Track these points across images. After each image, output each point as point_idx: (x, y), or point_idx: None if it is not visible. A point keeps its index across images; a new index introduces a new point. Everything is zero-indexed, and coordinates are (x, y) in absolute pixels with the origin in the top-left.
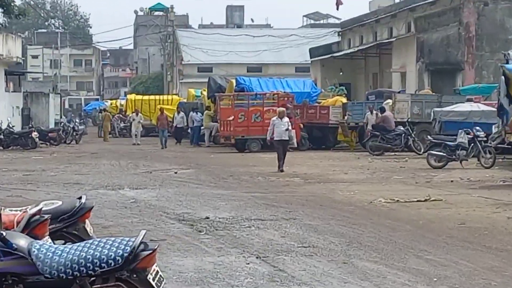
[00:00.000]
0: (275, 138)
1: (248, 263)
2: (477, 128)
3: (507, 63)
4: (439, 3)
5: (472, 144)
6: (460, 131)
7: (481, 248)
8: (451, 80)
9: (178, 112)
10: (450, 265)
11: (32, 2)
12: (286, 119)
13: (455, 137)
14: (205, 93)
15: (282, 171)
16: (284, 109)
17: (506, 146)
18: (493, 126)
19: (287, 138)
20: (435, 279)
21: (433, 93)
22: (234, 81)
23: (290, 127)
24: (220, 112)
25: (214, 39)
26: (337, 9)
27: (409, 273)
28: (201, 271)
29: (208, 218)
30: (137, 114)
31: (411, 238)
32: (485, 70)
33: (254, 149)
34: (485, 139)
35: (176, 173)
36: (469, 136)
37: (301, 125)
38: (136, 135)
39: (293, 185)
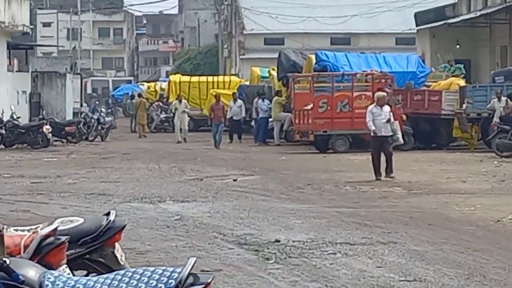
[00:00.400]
0: (372, 134)
1: None
2: None
3: None
4: None
5: None
6: None
7: None
8: None
9: (235, 100)
10: None
11: None
12: (387, 107)
13: None
14: (274, 73)
15: (391, 178)
16: (384, 93)
17: None
18: None
19: (389, 133)
20: None
21: None
22: (313, 57)
23: (392, 118)
24: (295, 99)
25: (286, 0)
26: None
27: None
28: None
29: (278, 241)
30: (180, 102)
31: None
32: None
33: (341, 149)
34: None
35: (235, 180)
36: None
37: (404, 117)
38: (181, 129)
39: (393, 198)
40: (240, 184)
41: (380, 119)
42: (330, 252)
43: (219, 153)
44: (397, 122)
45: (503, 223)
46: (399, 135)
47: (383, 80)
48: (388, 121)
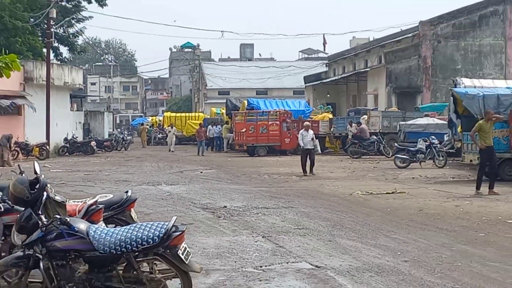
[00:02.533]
0: (301, 148)
1: (256, 241)
2: (433, 137)
3: (455, 86)
4: (403, 41)
5: (429, 149)
6: (419, 139)
7: (435, 229)
8: (413, 100)
9: (215, 125)
10: (411, 242)
11: (90, 42)
12: (311, 131)
13: (415, 144)
14: (223, 111)
15: (313, 174)
16: (309, 123)
17: (455, 151)
18: (445, 135)
19: (311, 147)
20: (399, 253)
21: (399, 110)
22: (246, 101)
23: (314, 138)
24: (235, 126)
25: (230, 69)
26: (324, 49)
27: (379, 248)
28: (219, 248)
29: (225, 207)
30: (172, 127)
31: (381, 222)
32: (438, 93)
33: (262, 154)
34: (438, 145)
35: (201, 172)
36: (426, 143)
37: (297, 135)
38: (171, 143)
39: (291, 181)
40: (204, 174)
41: (307, 138)
42: (255, 213)
43: (193, 157)
44: (317, 140)
45: (353, 196)
46: (318, 148)
47: (285, 115)
48: (312, 139)
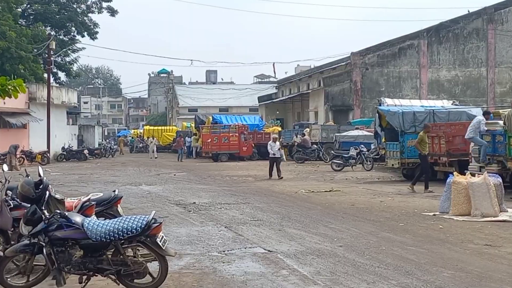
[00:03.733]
0: (270, 156)
1: (220, 231)
2: (362, 145)
3: (380, 105)
4: (338, 68)
5: (359, 156)
6: (351, 147)
7: (364, 220)
8: (346, 116)
9: (190, 136)
10: (345, 231)
11: (83, 68)
12: (278, 143)
13: (348, 151)
14: (193, 125)
15: (281, 178)
16: (276, 136)
17: (379, 157)
18: (372, 144)
19: (279, 156)
20: (335, 239)
21: (335, 124)
22: (211, 117)
23: (280, 148)
24: (202, 137)
25: (198, 91)
26: (275, 75)
27: (319, 236)
28: (190, 236)
29: (194, 203)
30: (153, 138)
31: (321, 214)
32: (366, 110)
33: (224, 160)
34: (366, 152)
35: (174, 175)
36: (357, 150)
37: (253, 144)
38: (153, 151)
39: (248, 182)
40: (177, 177)
41: (275, 148)
42: (219, 207)
43: (168, 162)
44: (283, 150)
45: (298, 193)
46: (284, 156)
47: (243, 128)
48: (279, 149)
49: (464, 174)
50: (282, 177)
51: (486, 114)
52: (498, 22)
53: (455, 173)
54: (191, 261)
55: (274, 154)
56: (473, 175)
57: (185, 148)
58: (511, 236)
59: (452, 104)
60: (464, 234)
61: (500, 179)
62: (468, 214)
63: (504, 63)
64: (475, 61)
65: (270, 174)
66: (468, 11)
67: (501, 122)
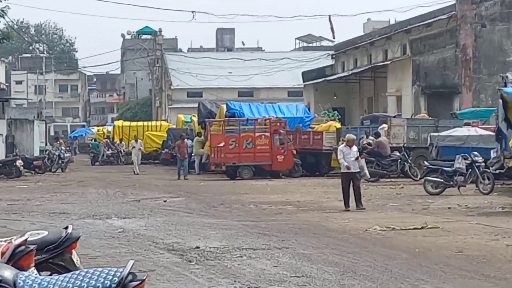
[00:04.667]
0: (342, 171)
1: None
2: (475, 153)
3: (505, 86)
4: (435, 24)
5: (470, 170)
6: (457, 156)
7: (479, 276)
8: (448, 104)
9: (191, 138)
10: None
11: (15, 26)
12: (355, 147)
13: (452, 162)
14: (195, 118)
15: (361, 208)
16: (354, 136)
17: (505, 172)
18: (492, 151)
19: (357, 170)
20: None
21: (430, 117)
22: (224, 106)
23: (359, 156)
24: (211, 138)
25: (203, 63)
26: (333, 36)
27: None
28: None
29: (198, 247)
30: (136, 141)
31: (407, 267)
32: (483, 94)
33: (246, 176)
34: (483, 164)
35: (165, 201)
36: (467, 161)
37: (294, 151)
38: (137, 163)
39: (286, 213)
40: (169, 204)
41: (349, 157)
42: (238, 255)
43: (153, 180)
44: (363, 160)
45: (370, 232)
46: (366, 171)
47: (278, 124)
48: (357, 159)
49: None
50: (363, 208)
51: None
52: None
53: None
54: None
55: (349, 168)
56: None
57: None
58: None
59: None
60: None
61: None
62: None
63: None
64: None
65: (346, 202)
66: None
67: None
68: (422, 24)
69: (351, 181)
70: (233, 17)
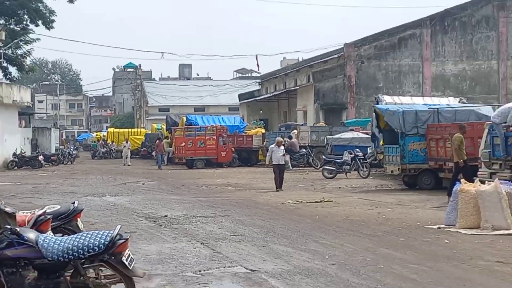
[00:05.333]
0: (273, 163)
1: (195, 248)
2: (357, 149)
3: (377, 103)
4: (329, 61)
5: (354, 161)
6: (345, 152)
7: (360, 234)
8: (339, 116)
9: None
10: (338, 247)
11: (38, 62)
12: (282, 147)
13: (341, 156)
14: (164, 126)
15: (279, 190)
16: (281, 139)
17: (377, 162)
18: (368, 148)
19: (283, 163)
20: (327, 257)
21: (326, 125)
22: (184, 118)
23: (285, 153)
24: (175, 140)
25: (170, 88)
26: (258, 69)
27: (309, 253)
28: (161, 254)
29: (166, 216)
30: (127, 142)
31: (310, 228)
32: (362, 109)
33: (199, 166)
34: (363, 157)
35: (143, 184)
36: (351, 155)
37: (233, 149)
38: (126, 157)
39: (228, 192)
40: (146, 186)
41: (278, 154)
42: (194, 221)
43: (135, 169)
44: (288, 155)
45: (285, 205)
46: (290, 164)
47: (222, 130)
48: (283, 155)
49: (473, 182)
50: (282, 189)
51: None
52: (509, 9)
53: (462, 180)
54: (162, 283)
55: (278, 161)
56: (482, 182)
57: (165, 153)
58: None
59: (459, 102)
60: (472, 250)
61: None
62: (477, 227)
63: None
64: (484, 53)
65: (277, 185)
66: None
67: None
68: (321, 61)
69: (279, 171)
70: (190, 56)
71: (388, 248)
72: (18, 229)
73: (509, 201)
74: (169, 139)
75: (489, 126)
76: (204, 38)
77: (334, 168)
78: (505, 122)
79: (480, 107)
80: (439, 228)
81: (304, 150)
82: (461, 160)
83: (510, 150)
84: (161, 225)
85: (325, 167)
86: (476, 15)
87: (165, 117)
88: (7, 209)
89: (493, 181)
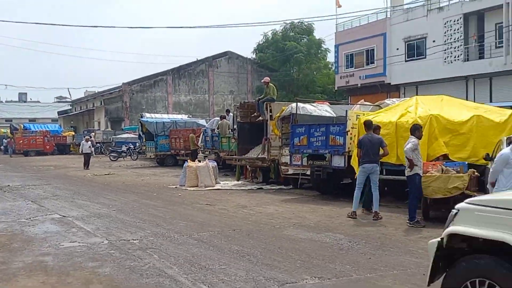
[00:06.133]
0: (83, 152)
1: (27, 204)
2: (130, 144)
3: (142, 117)
4: (114, 92)
5: (128, 150)
6: (123, 145)
7: (130, 192)
8: (120, 125)
9: (7, 139)
10: (117, 200)
11: None
12: (89, 142)
13: (121, 147)
14: (8, 131)
15: (87, 169)
16: (89, 137)
17: (141, 151)
18: (137, 143)
19: (89, 152)
20: (110, 206)
21: (112, 130)
22: (22, 125)
23: (91, 146)
24: (16, 139)
25: (13, 107)
26: (70, 97)
27: (99, 204)
28: (4, 209)
29: (9, 185)
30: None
31: (101, 189)
32: (133, 120)
33: (32, 155)
34: (133, 148)
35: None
36: (127, 147)
37: (54, 144)
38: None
39: (50, 170)
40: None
41: (86, 146)
42: (28, 188)
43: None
44: (93, 148)
45: (86, 177)
46: (93, 152)
47: (46, 132)
48: (90, 147)
49: (195, 161)
50: (88, 168)
51: (222, 118)
52: (215, 66)
53: (188, 160)
54: (4, 227)
55: (86, 151)
56: (199, 161)
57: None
58: (222, 198)
59: (187, 117)
60: (193, 198)
61: (215, 163)
62: (196, 186)
63: (219, 92)
64: (202, 90)
65: (85, 166)
66: (197, 59)
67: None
68: (109, 92)
69: (87, 157)
70: (25, 87)
71: (146, 199)
72: None
73: (213, 171)
74: (12, 139)
75: (204, 130)
76: (37, 74)
77: (116, 155)
78: (213, 129)
79: (198, 120)
80: (176, 187)
81: (98, 144)
82: (196, 148)
83: (213, 144)
84: (5, 191)
85: (111, 154)
86: (197, 68)
87: (9, 125)
88: None
89: (205, 160)
